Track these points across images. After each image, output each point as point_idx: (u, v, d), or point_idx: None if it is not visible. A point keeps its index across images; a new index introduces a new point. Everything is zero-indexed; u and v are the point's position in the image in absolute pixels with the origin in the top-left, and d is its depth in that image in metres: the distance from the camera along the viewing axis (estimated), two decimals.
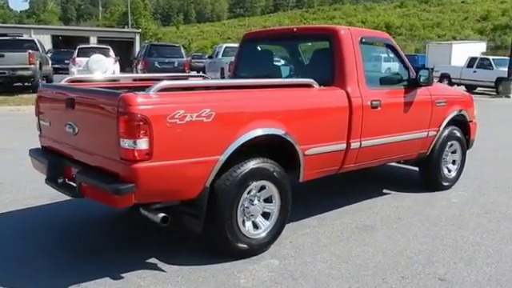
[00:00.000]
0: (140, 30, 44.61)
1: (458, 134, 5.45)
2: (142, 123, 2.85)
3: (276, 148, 3.67)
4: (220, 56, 17.83)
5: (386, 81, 4.69)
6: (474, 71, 21.71)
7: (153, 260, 3.53)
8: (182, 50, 18.48)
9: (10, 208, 4.65)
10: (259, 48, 5.13)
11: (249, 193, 3.50)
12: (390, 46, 4.84)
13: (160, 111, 2.95)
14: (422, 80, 4.68)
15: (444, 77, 23.57)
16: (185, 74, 5.25)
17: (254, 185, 3.50)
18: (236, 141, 3.31)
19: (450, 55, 33.60)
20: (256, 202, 3.57)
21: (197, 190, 3.23)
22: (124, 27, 54.42)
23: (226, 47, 18.40)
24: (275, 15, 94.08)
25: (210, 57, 19.54)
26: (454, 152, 5.51)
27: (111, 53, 18.78)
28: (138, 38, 40.10)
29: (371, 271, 3.40)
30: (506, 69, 20.39)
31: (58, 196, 4.12)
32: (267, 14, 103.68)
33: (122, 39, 37.94)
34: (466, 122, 5.57)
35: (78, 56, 18.45)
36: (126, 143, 2.89)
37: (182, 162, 3.09)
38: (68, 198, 3.71)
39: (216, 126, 3.21)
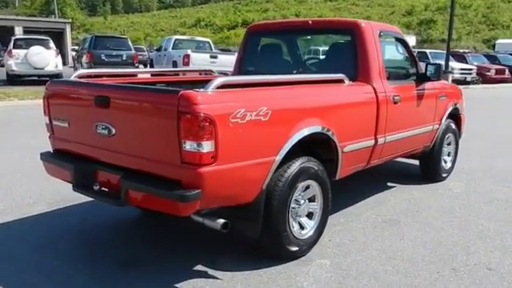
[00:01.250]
0: (70, 20, 42.41)
1: (453, 127, 5.66)
2: (207, 123, 2.66)
3: (317, 146, 3.60)
4: (170, 49, 17.32)
5: (400, 75, 4.75)
6: None
7: (200, 267, 3.37)
8: (130, 42, 17.78)
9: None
10: (269, 41, 5.00)
11: (297, 193, 3.41)
12: (400, 40, 4.90)
13: (223, 110, 2.78)
14: (431, 75, 4.78)
15: None
16: (186, 69, 4.95)
17: (302, 185, 3.42)
18: (290, 140, 3.21)
19: None
20: (302, 202, 3.50)
21: (255, 193, 3.10)
22: (48, 17, 51.41)
23: (176, 40, 17.94)
24: (207, 7, 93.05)
25: (158, 50, 18.94)
26: (449, 144, 5.72)
27: (51, 44, 17.70)
28: (68, 28, 38.11)
29: (422, 265, 3.44)
30: (442, 62, 21.52)
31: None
32: (198, 5, 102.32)
33: (50, 30, 35.68)
34: (459, 114, 5.79)
35: (14, 48, 17.20)
36: (189, 146, 2.68)
37: (244, 164, 2.95)
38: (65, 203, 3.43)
39: (272, 125, 3.08)
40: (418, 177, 5.71)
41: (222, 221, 2.97)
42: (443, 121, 5.34)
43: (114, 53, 16.72)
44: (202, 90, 2.75)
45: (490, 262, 3.50)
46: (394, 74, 4.55)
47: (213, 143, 2.69)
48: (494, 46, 40.00)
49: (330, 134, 3.53)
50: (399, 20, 64.15)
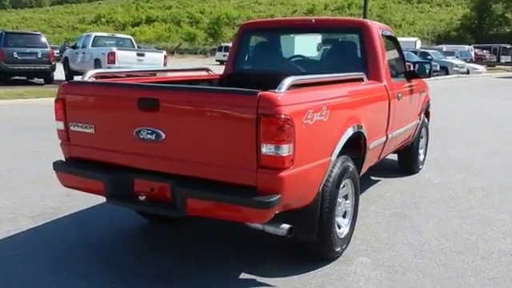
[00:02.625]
0: None
1: (426, 120, 5.96)
2: (288, 125, 2.52)
3: (349, 144, 3.59)
4: (89, 46, 16.31)
5: (397, 73, 4.89)
6: None
7: (248, 276, 3.22)
8: (45, 39, 16.44)
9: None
10: (266, 40, 4.89)
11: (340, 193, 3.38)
12: (392, 38, 5.04)
13: (299, 111, 2.66)
14: (422, 72, 4.97)
15: None
16: (185, 68, 4.68)
17: (343, 184, 3.39)
18: (341, 140, 3.17)
19: (293, 46, 36.22)
20: (340, 201, 3.47)
21: (314, 194, 3.01)
22: None
23: (96, 36, 16.93)
24: (106, 3, 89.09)
25: (74, 47, 17.72)
26: (421, 137, 6.01)
27: None
28: None
29: (454, 256, 3.57)
30: None
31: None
32: (96, 0, 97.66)
33: None
34: (429, 108, 6.11)
35: None
36: (268, 149, 2.53)
37: (311, 165, 2.85)
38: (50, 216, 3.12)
39: (330, 125, 3.03)
40: (393, 170, 5.92)
41: (287, 226, 2.85)
42: (422, 115, 5.60)
43: (28, 50, 15.37)
44: (276, 90, 2.60)
45: (510, 249, 3.72)
46: (393, 71, 4.68)
47: (291, 146, 2.56)
48: None
49: (363, 132, 3.53)
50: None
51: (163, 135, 2.80)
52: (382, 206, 4.67)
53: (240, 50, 4.84)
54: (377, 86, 4.04)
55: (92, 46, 16.34)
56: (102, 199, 4.52)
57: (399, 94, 4.42)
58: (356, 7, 70.52)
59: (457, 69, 28.46)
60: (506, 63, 43.50)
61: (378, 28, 4.32)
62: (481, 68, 30.74)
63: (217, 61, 41.95)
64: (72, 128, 3.19)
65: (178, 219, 3.90)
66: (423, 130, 5.90)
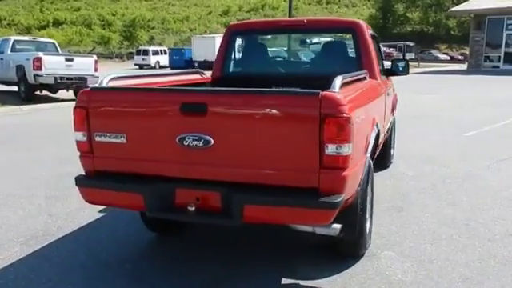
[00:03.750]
0: None
1: (394, 117, 6.25)
2: (349, 124, 2.55)
3: None
4: (8, 51, 15.09)
5: (381, 71, 5.07)
6: None
7: (290, 280, 3.21)
8: None
9: None
10: (256, 41, 4.84)
11: None
12: (374, 37, 5.19)
13: (353, 110, 2.68)
14: (401, 70, 5.20)
15: None
16: (183, 71, 4.52)
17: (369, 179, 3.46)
18: (372, 137, 3.26)
19: (214, 47, 36.16)
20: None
21: (356, 192, 3.06)
22: None
23: (15, 41, 15.69)
24: (4, 4, 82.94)
25: None
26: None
27: None
28: None
29: (464, 241, 3.81)
30: None
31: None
32: None
33: None
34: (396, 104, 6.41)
35: None
36: (331, 149, 2.53)
37: (359, 164, 2.92)
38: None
39: (367, 123, 3.11)
40: None
41: (338, 226, 2.88)
42: (395, 111, 5.87)
43: None
44: (332, 90, 2.60)
45: (507, 230, 4.03)
46: (380, 69, 4.85)
47: (351, 145, 2.59)
48: None
49: (380, 128, 3.65)
50: (217, 20, 66.51)
51: (212, 141, 2.69)
52: (376, 200, 4.81)
53: (229, 52, 4.77)
54: (378, 83, 4.18)
55: (11, 51, 15.17)
56: (87, 215, 4.33)
57: (389, 91, 4.61)
58: (269, 8, 71.98)
59: None
60: (411, 60, 46.61)
61: (367, 27, 4.46)
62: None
63: (135, 65, 40.83)
64: (97, 139, 2.96)
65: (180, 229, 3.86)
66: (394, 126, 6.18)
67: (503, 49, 28.41)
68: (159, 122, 2.84)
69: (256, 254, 3.61)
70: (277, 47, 4.89)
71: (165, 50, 43.09)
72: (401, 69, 5.21)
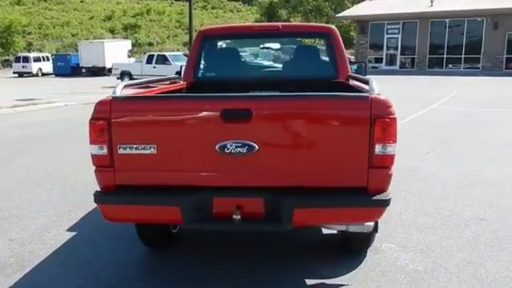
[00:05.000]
0: None
1: None
2: (395, 125, 2.64)
3: None
4: None
5: None
6: (154, 67, 23.31)
7: (315, 281, 3.23)
8: None
9: None
10: (229, 46, 4.73)
11: None
12: None
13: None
14: (361, 71, 5.42)
15: (124, 74, 24.29)
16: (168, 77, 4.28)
17: None
18: None
19: (103, 53, 34.75)
20: None
21: None
22: None
23: None
24: None
25: None
26: None
27: None
28: None
29: (453, 226, 4.11)
30: (182, 63, 22.69)
31: None
32: None
33: None
34: None
35: None
36: (380, 149, 2.62)
37: None
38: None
39: None
40: None
41: (371, 223, 2.96)
42: None
43: None
44: (372, 92, 2.68)
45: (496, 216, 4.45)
46: None
47: (395, 145, 2.68)
48: None
49: None
50: (101, 25, 63.77)
51: (256, 147, 2.63)
52: None
53: (201, 56, 4.62)
54: (355, 86, 4.34)
55: None
56: (56, 236, 3.97)
57: None
58: (155, 13, 70.62)
59: None
60: None
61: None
62: None
63: (14, 73, 37.63)
64: (121, 151, 2.73)
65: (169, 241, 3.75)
66: None
67: (384, 51, 30.99)
68: (195, 131, 2.72)
69: (269, 260, 3.56)
70: (255, 52, 4.87)
71: (47, 57, 40.17)
72: (361, 70, 5.45)
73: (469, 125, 9.52)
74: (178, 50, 48.99)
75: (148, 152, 2.71)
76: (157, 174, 2.78)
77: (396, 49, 31.37)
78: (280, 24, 4.59)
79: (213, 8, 79.33)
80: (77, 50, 39.07)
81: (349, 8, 63.92)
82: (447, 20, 30.01)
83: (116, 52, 34.17)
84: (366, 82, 2.94)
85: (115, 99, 2.76)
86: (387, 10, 30.63)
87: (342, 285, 3.14)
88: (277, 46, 4.97)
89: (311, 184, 2.70)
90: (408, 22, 30.84)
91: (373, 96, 2.62)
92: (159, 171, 2.78)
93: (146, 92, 3.56)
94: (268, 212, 2.71)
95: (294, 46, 4.88)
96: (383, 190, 2.69)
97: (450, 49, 30.35)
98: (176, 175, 2.77)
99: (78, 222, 4.42)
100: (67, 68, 36.42)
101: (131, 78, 24.14)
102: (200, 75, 4.60)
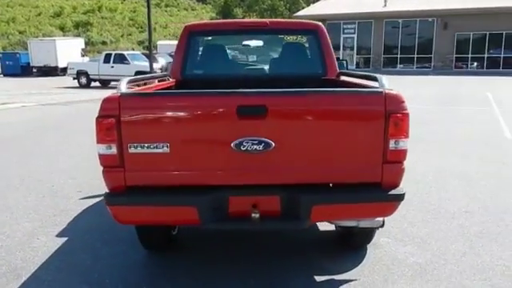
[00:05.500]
0: None
1: None
2: (408, 120, 2.70)
3: None
4: None
5: None
6: (112, 66, 22.75)
7: (324, 277, 3.26)
8: None
9: None
10: (216, 43, 4.67)
11: None
12: None
13: None
14: (342, 68, 5.49)
15: (81, 74, 23.60)
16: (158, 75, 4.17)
17: None
18: None
19: (55, 52, 33.61)
20: None
21: None
22: None
23: None
24: None
25: None
26: None
27: None
28: None
29: (442, 219, 4.26)
30: (141, 63, 22.48)
31: None
32: None
33: None
34: None
35: None
36: (394, 144, 2.68)
37: None
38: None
39: None
40: None
41: (381, 218, 3.02)
42: None
43: None
44: (383, 88, 2.74)
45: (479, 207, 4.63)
46: None
47: (407, 140, 2.75)
48: (156, 47, 43.42)
49: None
50: (50, 22, 61.68)
51: (273, 144, 2.63)
52: None
53: (187, 54, 4.54)
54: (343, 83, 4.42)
55: None
56: (46, 243, 3.86)
57: None
58: (106, 10, 68.94)
59: None
60: None
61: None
62: None
63: None
64: (131, 150, 2.65)
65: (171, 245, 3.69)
66: None
67: (341, 50, 31.55)
68: (210, 128, 2.68)
69: (274, 258, 3.58)
70: (243, 48, 4.83)
71: None
72: (342, 67, 5.53)
73: (430, 122, 9.86)
74: (133, 49, 48.05)
75: (161, 151, 2.65)
76: (170, 173, 2.72)
77: (352, 49, 32.08)
78: (268, 20, 4.59)
79: (167, 6, 78.25)
80: (25, 48, 37.53)
81: (303, 7, 64.76)
82: (400, 20, 30.95)
83: (69, 51, 33.16)
84: (373, 79, 2.98)
85: (124, 96, 2.67)
86: (342, 10, 31.24)
87: (351, 280, 3.20)
88: (259, 43, 4.94)
89: (326, 180, 2.75)
90: (363, 22, 31.61)
91: (387, 91, 2.67)
92: (172, 170, 2.72)
93: (145, 89, 3.48)
94: (284, 210, 2.72)
95: (279, 43, 4.91)
96: (396, 184, 2.76)
97: (404, 49, 31.34)
98: (190, 174, 2.73)
99: (67, 227, 4.27)
100: (17, 67, 34.88)
101: (88, 78, 23.56)
102: (188, 72, 4.53)
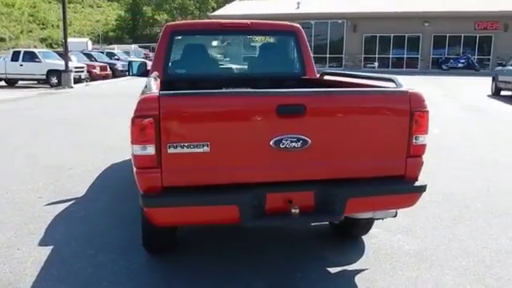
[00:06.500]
0: None
1: None
2: (427, 117, 2.90)
3: None
4: None
5: None
6: (21, 65, 21.23)
7: (337, 269, 3.39)
8: None
9: None
10: (197, 42, 4.58)
11: None
12: None
13: None
14: None
15: None
16: None
17: None
18: None
19: None
20: None
21: None
22: None
23: None
24: None
25: None
26: None
27: None
28: None
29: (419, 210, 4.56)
30: (54, 61, 21.26)
31: None
32: None
33: None
34: None
35: None
36: (416, 139, 2.87)
37: None
38: None
39: None
40: None
41: (394, 210, 3.20)
42: None
43: None
44: (401, 87, 2.93)
45: None
46: None
47: (427, 135, 2.96)
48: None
49: None
50: None
51: (309, 141, 2.71)
52: None
53: (170, 53, 4.46)
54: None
55: None
56: (42, 249, 3.62)
57: None
58: (2, 5, 64.25)
59: None
60: None
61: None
62: None
63: None
64: (171, 150, 2.59)
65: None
66: None
67: None
68: (250, 126, 2.71)
69: (281, 256, 3.62)
70: (224, 48, 4.81)
71: None
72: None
73: None
74: (35, 47, 45.18)
75: (200, 150, 2.61)
76: (209, 172, 2.69)
77: None
78: (249, 21, 4.63)
79: (70, 2, 74.24)
80: None
81: (212, 7, 64.82)
82: (313, 22, 32.19)
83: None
84: (390, 80, 3.16)
85: (163, 96, 2.60)
86: (257, 11, 31.82)
87: (363, 270, 3.35)
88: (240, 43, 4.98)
89: (357, 175, 2.87)
90: None
91: (410, 91, 2.86)
92: (212, 170, 2.69)
93: None
94: (318, 204, 2.81)
95: (257, 45, 4.96)
96: (416, 177, 2.96)
97: (316, 48, 32.58)
98: (230, 173, 2.71)
99: (46, 236, 3.98)
100: None
101: None
102: (171, 72, 4.44)
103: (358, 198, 2.84)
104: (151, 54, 50.92)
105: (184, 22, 4.47)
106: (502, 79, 16.72)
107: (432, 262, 3.49)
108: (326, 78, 4.43)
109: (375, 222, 4.10)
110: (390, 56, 32.17)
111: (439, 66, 31.08)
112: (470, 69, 29.90)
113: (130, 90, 6.16)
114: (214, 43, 4.88)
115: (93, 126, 9.77)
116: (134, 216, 4.34)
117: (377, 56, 32.33)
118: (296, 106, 2.68)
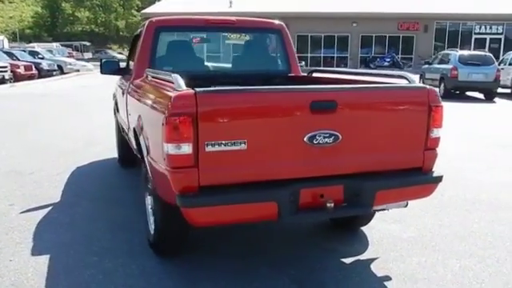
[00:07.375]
0: None
1: None
2: (442, 112, 3.06)
3: None
4: None
5: None
6: None
7: (348, 259, 3.46)
8: None
9: None
10: (183, 39, 4.46)
11: None
12: None
13: None
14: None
15: None
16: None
17: None
18: None
19: None
20: None
21: None
22: None
23: None
24: None
25: None
26: None
27: None
28: None
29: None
30: None
31: None
32: None
33: None
34: None
35: None
36: (433, 133, 3.05)
37: None
38: None
39: None
40: None
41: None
42: None
43: None
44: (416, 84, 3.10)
45: None
46: None
47: (441, 129, 3.12)
48: None
49: None
50: None
51: (340, 136, 2.78)
52: None
53: (155, 50, 4.32)
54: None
55: None
56: (40, 258, 3.48)
57: None
58: None
59: (71, 67, 29.25)
60: (89, 59, 46.03)
61: None
62: (88, 65, 32.02)
63: None
64: (208, 149, 2.54)
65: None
66: None
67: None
68: (286, 123, 2.72)
69: (290, 252, 3.65)
70: (210, 45, 4.72)
71: None
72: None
73: None
74: None
75: (238, 148, 2.59)
76: (245, 170, 2.68)
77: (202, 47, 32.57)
78: (235, 18, 4.60)
79: None
80: None
81: (137, 5, 63.15)
82: None
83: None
84: (402, 77, 3.30)
85: (200, 92, 2.54)
86: (191, 9, 31.50)
87: (374, 258, 3.47)
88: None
89: (382, 168, 2.99)
90: None
91: (428, 87, 3.03)
92: (248, 167, 2.68)
93: None
94: (347, 197, 2.89)
95: (242, 42, 4.93)
96: (431, 168, 3.13)
97: None
98: (265, 170, 2.71)
99: (36, 245, 3.71)
100: None
101: None
102: (157, 69, 4.29)
103: (386, 190, 2.96)
104: (75, 53, 48.87)
105: (168, 17, 4.35)
106: (428, 76, 18.13)
107: (433, 247, 3.70)
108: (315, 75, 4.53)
109: None
110: (322, 55, 33.16)
111: (367, 65, 32.52)
112: (395, 67, 31.56)
113: (61, 91, 5.85)
114: (198, 39, 4.82)
115: (39, 129, 9.21)
116: (126, 219, 4.21)
117: (309, 55, 33.17)
118: (329, 102, 2.74)
